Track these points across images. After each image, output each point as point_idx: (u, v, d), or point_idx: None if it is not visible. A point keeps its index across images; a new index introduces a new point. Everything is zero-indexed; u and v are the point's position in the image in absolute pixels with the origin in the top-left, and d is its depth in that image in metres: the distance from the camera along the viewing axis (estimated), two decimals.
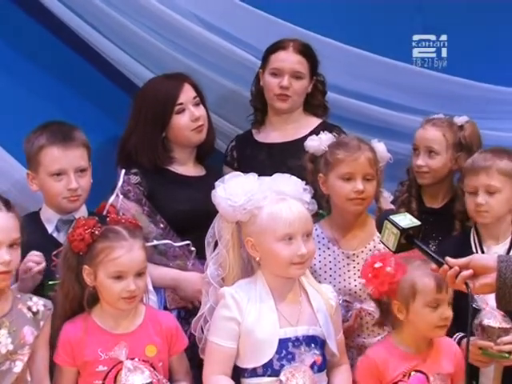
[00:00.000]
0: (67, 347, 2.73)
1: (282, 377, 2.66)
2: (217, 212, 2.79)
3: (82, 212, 3.12)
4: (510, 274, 2.30)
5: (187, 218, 3.25)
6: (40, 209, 3.16)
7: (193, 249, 3.23)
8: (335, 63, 3.75)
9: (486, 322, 2.88)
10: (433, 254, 2.45)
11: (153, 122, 3.36)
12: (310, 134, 3.37)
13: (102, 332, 2.75)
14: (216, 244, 2.80)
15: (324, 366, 2.76)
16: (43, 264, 2.89)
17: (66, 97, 3.70)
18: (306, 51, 3.55)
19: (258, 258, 2.75)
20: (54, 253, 2.90)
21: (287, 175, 2.81)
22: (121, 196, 3.20)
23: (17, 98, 3.60)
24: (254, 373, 2.71)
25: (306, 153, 3.16)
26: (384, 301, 2.87)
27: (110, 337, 2.74)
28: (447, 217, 3.41)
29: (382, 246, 2.65)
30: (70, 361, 2.74)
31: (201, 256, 3.10)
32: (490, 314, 2.88)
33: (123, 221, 2.81)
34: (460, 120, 3.50)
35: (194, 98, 3.40)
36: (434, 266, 2.46)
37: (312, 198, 2.81)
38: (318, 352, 2.72)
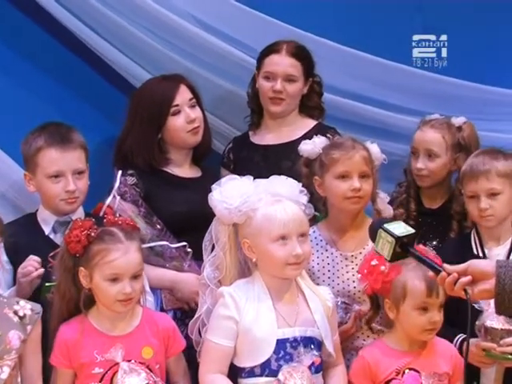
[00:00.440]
0: (63, 349, 2.72)
1: (280, 376, 2.66)
2: (213, 214, 2.79)
3: (79, 213, 3.12)
4: (508, 280, 2.26)
5: (184, 220, 3.25)
6: (37, 210, 3.16)
7: (189, 250, 3.23)
8: (331, 64, 3.74)
9: (488, 323, 2.87)
10: (429, 262, 2.42)
11: (148, 123, 3.35)
12: (305, 135, 3.38)
13: (99, 334, 2.74)
14: (213, 247, 2.81)
15: (321, 367, 2.76)
16: (42, 269, 2.89)
17: (64, 98, 3.70)
18: (300, 53, 3.52)
19: (254, 260, 2.75)
20: (51, 254, 2.89)
21: (284, 177, 2.82)
22: (118, 197, 3.20)
23: (14, 99, 3.59)
24: (251, 373, 2.71)
25: (300, 156, 3.15)
26: (376, 297, 2.89)
27: (107, 339, 2.74)
28: (445, 217, 3.40)
29: None
30: (67, 363, 2.73)
31: (197, 257, 3.10)
32: (493, 316, 2.85)
33: (120, 222, 2.80)
34: (458, 121, 3.49)
35: (190, 99, 3.39)
36: (431, 273, 2.44)
37: (308, 201, 2.81)
38: (316, 353, 2.73)
